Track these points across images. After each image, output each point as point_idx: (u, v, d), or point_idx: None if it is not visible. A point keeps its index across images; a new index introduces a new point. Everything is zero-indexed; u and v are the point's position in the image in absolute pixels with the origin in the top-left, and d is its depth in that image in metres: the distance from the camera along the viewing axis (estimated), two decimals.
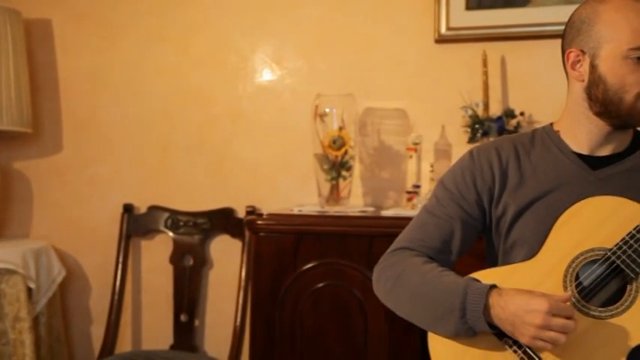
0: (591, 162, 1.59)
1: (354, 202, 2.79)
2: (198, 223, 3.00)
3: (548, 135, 1.65)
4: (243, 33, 3.00)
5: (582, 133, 1.60)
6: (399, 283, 1.60)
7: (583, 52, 1.56)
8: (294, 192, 2.91)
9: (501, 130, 2.59)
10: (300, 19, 2.94)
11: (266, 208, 2.81)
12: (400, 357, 2.33)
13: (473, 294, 1.48)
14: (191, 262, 3.00)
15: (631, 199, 1.47)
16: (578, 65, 1.57)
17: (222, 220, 2.99)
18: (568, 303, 1.42)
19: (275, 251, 2.43)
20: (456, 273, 1.56)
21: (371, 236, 2.34)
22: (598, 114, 1.56)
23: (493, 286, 1.48)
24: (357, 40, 2.88)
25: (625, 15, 1.50)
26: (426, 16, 2.77)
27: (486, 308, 1.46)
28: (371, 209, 2.69)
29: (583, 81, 1.57)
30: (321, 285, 2.41)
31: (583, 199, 1.50)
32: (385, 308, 1.66)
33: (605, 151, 1.60)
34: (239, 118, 3.01)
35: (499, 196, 1.63)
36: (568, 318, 1.40)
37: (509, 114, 2.63)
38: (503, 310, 1.45)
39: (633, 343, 1.42)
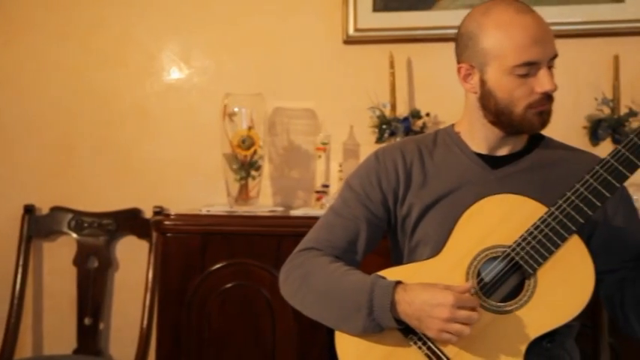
0: (491, 161, 1.64)
1: (264, 201, 2.78)
2: (104, 224, 2.93)
3: (450, 136, 1.70)
4: (148, 30, 2.95)
5: (480, 137, 1.65)
6: (305, 283, 1.60)
7: (472, 67, 1.59)
8: (203, 192, 2.88)
9: (408, 131, 2.64)
10: (208, 17, 2.91)
11: (174, 209, 2.77)
12: (308, 355, 2.34)
13: (379, 291, 1.50)
14: (96, 264, 2.92)
15: (529, 197, 1.52)
16: (469, 78, 1.61)
17: (129, 221, 2.93)
18: (470, 293, 1.46)
19: (182, 252, 2.40)
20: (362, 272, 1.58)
21: (279, 236, 2.34)
22: (492, 122, 1.61)
23: (399, 282, 1.51)
24: (265, 40, 2.88)
25: (507, 32, 1.52)
26: (334, 17, 2.79)
27: (393, 304, 1.48)
28: (280, 209, 2.69)
29: (476, 93, 1.61)
30: (229, 285, 2.39)
31: (484, 197, 1.54)
32: (293, 307, 1.66)
33: (503, 152, 1.65)
34: (146, 117, 2.95)
35: (404, 196, 1.65)
36: (472, 310, 1.44)
37: (416, 115, 2.68)
38: (409, 305, 1.47)
39: (532, 336, 1.46)
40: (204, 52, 2.93)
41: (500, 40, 1.53)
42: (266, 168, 2.79)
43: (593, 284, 1.45)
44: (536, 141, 1.67)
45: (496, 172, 1.63)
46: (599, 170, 1.46)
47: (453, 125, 1.73)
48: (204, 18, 2.91)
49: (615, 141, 2.53)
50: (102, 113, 2.97)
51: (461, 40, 1.62)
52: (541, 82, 1.53)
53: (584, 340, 1.81)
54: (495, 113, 1.58)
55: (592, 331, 1.81)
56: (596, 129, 2.55)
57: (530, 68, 1.52)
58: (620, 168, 1.46)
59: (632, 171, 1.46)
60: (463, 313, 1.43)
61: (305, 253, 1.65)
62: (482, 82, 1.58)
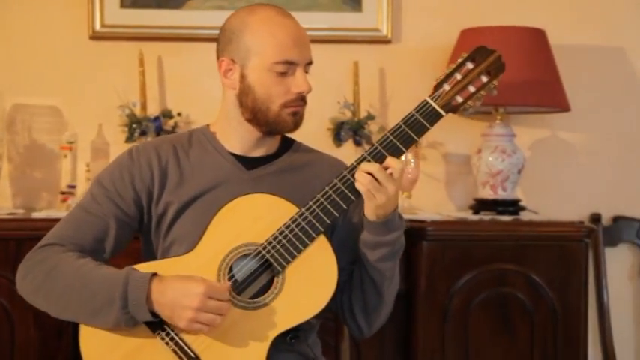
0: (245, 162, 1.67)
1: (2, 204, 2.63)
2: None
3: (205, 136, 1.71)
4: None
5: (236, 137, 1.67)
6: (50, 278, 1.53)
7: (234, 62, 1.62)
8: None
9: (159, 130, 2.62)
10: None
11: None
12: None
13: (134, 283, 1.48)
14: None
15: (282, 197, 1.57)
16: (229, 73, 1.63)
17: None
18: (227, 290, 1.48)
19: None
20: None
21: (19, 240, 2.21)
22: (249, 120, 1.64)
23: (154, 274, 1.50)
24: (3, 31, 2.70)
25: (270, 29, 1.59)
26: (80, 10, 2.69)
27: (148, 296, 1.47)
28: (21, 211, 2.55)
29: (235, 89, 1.63)
30: None
31: (239, 196, 1.57)
32: (34, 315, 1.58)
33: (258, 153, 1.69)
34: None
35: (159, 196, 1.64)
36: (223, 300, 1.47)
37: (167, 114, 2.67)
38: (162, 295, 1.47)
39: (277, 331, 1.51)
40: None
41: (263, 36, 1.58)
42: (5, 168, 2.63)
43: (336, 283, 1.53)
44: (287, 145, 1.74)
45: (250, 172, 1.66)
46: (347, 175, 1.54)
47: (208, 126, 1.74)
48: None
49: (356, 142, 2.70)
50: None
51: (224, 36, 1.64)
52: (298, 82, 1.59)
53: (327, 331, 1.91)
54: (252, 110, 1.61)
55: (334, 323, 1.92)
56: (339, 131, 2.70)
57: (288, 67, 1.59)
58: None
59: None
60: (214, 303, 1.45)
61: (48, 249, 1.57)
62: (243, 77, 1.61)
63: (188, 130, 1.77)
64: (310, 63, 1.64)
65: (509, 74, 2.42)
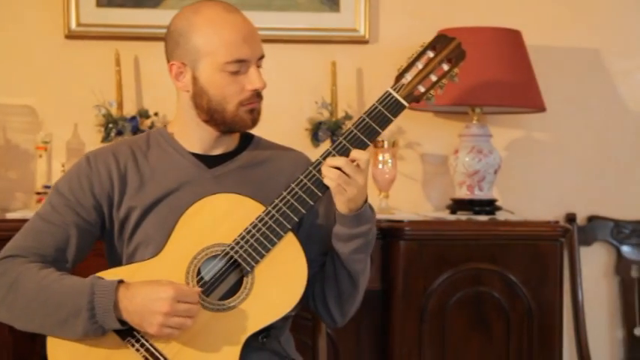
0: (207, 161, 1.66)
1: None
2: None
3: (163, 137, 1.69)
4: None
5: (194, 137, 1.66)
6: (12, 291, 1.51)
7: (184, 64, 1.60)
8: None
9: (136, 130, 2.60)
10: None
11: None
12: None
13: (100, 291, 1.46)
14: None
15: (246, 194, 1.56)
16: (181, 77, 1.62)
17: None
18: (196, 293, 1.47)
19: None
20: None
21: None
22: (206, 121, 1.63)
23: (121, 282, 1.48)
24: None
25: (218, 29, 1.57)
26: (56, 9, 2.66)
27: (116, 304, 1.45)
28: None
29: (188, 91, 1.62)
30: None
31: (203, 196, 1.56)
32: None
33: (218, 151, 1.67)
34: None
35: (120, 201, 1.62)
36: (192, 303, 1.46)
37: (144, 114, 2.65)
38: (130, 302, 1.45)
39: (248, 332, 1.51)
40: None
41: (212, 37, 1.56)
42: None
43: (306, 281, 1.53)
44: (247, 140, 1.72)
45: (212, 170, 1.65)
46: (312, 171, 1.55)
47: (165, 126, 1.72)
48: None
49: (334, 143, 2.70)
50: None
51: (171, 38, 1.63)
52: (251, 79, 1.58)
53: (304, 331, 1.91)
54: (208, 111, 1.60)
55: (311, 322, 1.92)
56: (317, 131, 2.70)
57: (240, 65, 1.57)
58: None
59: None
60: (183, 306, 1.44)
61: (8, 261, 1.55)
62: (195, 80, 1.59)
63: (145, 132, 1.75)
64: (262, 57, 1.62)
65: (485, 75, 2.49)
